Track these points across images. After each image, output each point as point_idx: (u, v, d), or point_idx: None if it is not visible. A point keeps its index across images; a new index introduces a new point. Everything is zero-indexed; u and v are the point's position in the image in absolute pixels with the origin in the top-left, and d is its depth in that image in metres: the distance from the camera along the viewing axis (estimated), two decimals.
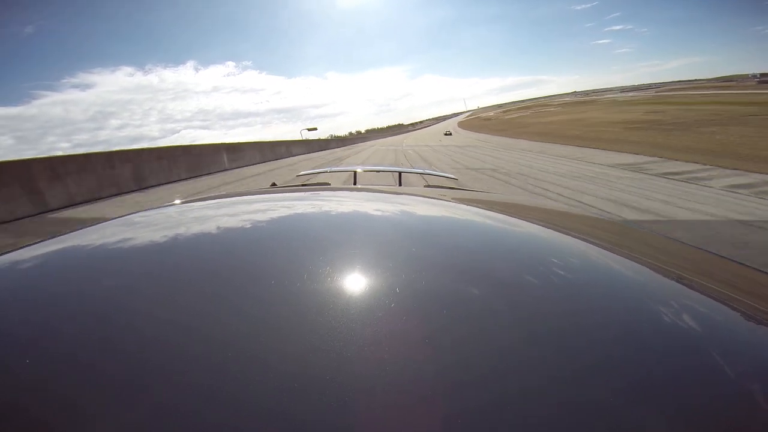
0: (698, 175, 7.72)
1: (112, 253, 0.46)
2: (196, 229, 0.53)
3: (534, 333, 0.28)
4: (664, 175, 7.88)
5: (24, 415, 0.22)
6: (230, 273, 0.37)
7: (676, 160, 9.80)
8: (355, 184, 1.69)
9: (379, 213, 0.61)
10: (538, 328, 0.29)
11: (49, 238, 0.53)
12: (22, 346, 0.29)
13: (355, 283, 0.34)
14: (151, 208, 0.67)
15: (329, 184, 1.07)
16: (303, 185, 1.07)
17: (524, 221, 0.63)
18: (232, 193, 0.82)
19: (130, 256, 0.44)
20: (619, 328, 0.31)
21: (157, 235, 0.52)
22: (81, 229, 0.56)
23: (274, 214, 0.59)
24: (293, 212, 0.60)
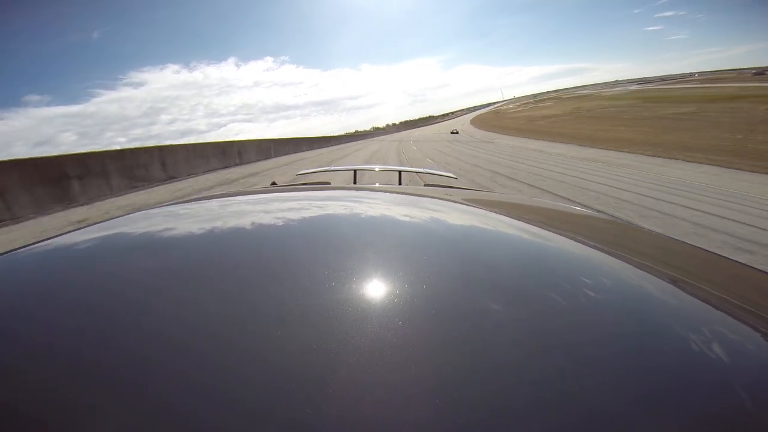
0: (527, 145, 18.10)
1: (113, 253, 0.47)
2: (196, 228, 0.53)
3: (534, 332, 0.28)
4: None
5: (26, 415, 0.22)
6: (230, 272, 0.37)
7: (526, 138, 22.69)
8: (354, 183, 1.70)
9: (378, 212, 0.61)
10: (538, 328, 0.29)
11: (49, 238, 0.54)
12: (23, 346, 0.29)
13: (356, 282, 0.34)
14: (152, 208, 0.67)
15: (329, 183, 1.09)
16: (303, 184, 1.09)
17: (524, 220, 0.63)
18: (232, 193, 0.83)
19: (130, 256, 0.45)
20: (621, 328, 0.31)
21: (158, 235, 0.53)
22: (81, 229, 0.57)
23: (274, 214, 0.60)
24: (293, 211, 0.60)
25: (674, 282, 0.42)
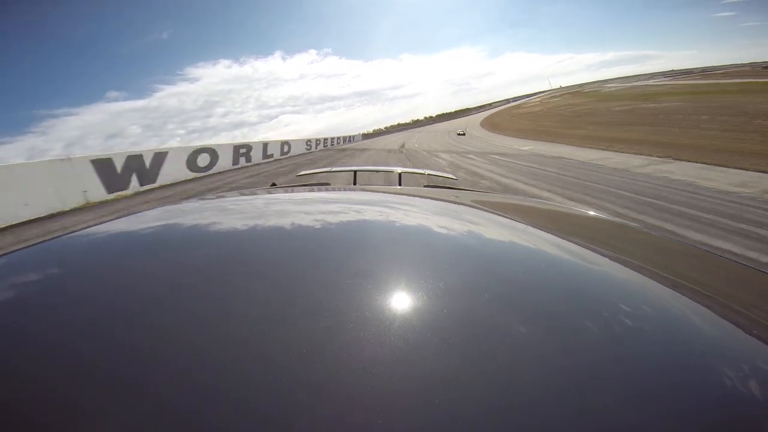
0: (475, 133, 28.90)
1: (113, 253, 0.47)
2: (196, 229, 0.54)
3: (534, 333, 0.28)
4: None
5: (28, 413, 0.22)
6: (231, 272, 0.37)
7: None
8: (354, 183, 1.69)
9: (379, 212, 0.61)
10: (539, 328, 0.29)
11: (50, 239, 0.54)
12: (24, 346, 0.29)
13: (356, 281, 0.34)
14: (152, 209, 0.68)
15: (329, 184, 1.09)
16: (303, 185, 1.08)
17: (523, 220, 0.63)
18: (233, 193, 0.83)
19: (130, 256, 0.44)
20: (621, 328, 0.30)
21: (159, 236, 0.52)
22: (82, 229, 0.57)
23: (275, 214, 0.60)
24: (293, 212, 0.60)
25: (677, 282, 0.41)
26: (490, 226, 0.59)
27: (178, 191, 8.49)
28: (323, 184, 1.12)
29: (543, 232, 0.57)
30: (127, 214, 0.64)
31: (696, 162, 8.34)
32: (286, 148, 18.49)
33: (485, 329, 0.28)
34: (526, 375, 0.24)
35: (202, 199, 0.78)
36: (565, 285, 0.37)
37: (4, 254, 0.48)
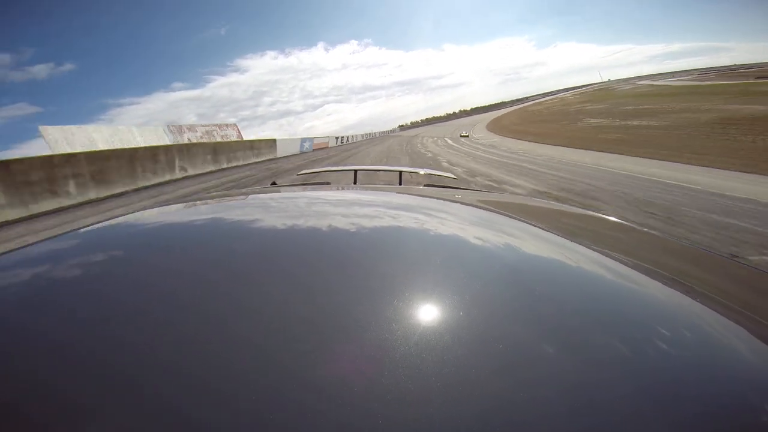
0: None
1: (113, 253, 0.47)
2: (197, 228, 0.54)
3: (534, 332, 0.28)
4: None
5: (26, 413, 0.22)
6: (230, 272, 0.37)
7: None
8: (355, 183, 1.70)
9: (379, 212, 0.61)
10: (539, 328, 0.29)
11: (51, 239, 0.54)
12: (23, 346, 0.29)
13: (357, 281, 0.34)
14: (152, 208, 0.68)
15: (329, 183, 1.11)
16: (303, 184, 1.10)
17: (524, 220, 0.64)
18: (233, 193, 0.83)
19: (130, 256, 0.45)
20: (619, 329, 0.30)
21: (158, 235, 0.52)
22: (83, 229, 0.57)
23: (275, 214, 0.60)
24: (293, 211, 0.61)
25: (675, 282, 0.42)
26: (490, 225, 0.59)
27: (309, 156, 18.08)
28: (323, 183, 1.13)
29: (544, 232, 0.57)
30: (127, 213, 0.64)
31: (550, 144, 17.87)
32: (347, 140, 33.26)
33: (488, 328, 0.28)
34: (529, 374, 0.24)
35: (202, 198, 0.78)
36: (567, 284, 0.38)
37: (3, 254, 0.49)
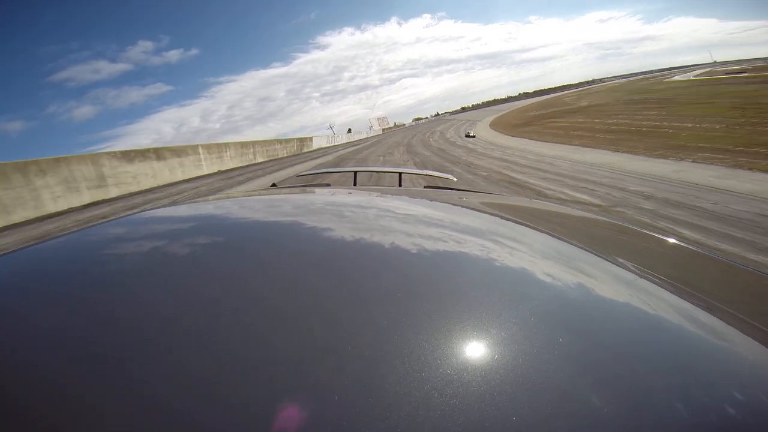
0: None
1: (114, 254, 0.47)
2: (196, 230, 0.53)
3: (535, 333, 0.28)
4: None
5: (26, 413, 0.22)
6: (230, 274, 0.37)
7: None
8: (355, 184, 1.69)
9: (378, 214, 0.61)
10: (537, 330, 0.29)
11: (50, 239, 0.54)
12: (22, 346, 0.29)
13: (356, 283, 0.34)
14: (152, 209, 0.68)
15: (329, 185, 1.12)
16: (303, 186, 1.10)
17: (523, 221, 0.64)
18: (232, 194, 0.83)
19: (130, 257, 0.44)
20: (619, 331, 0.30)
21: (158, 236, 0.52)
22: (83, 229, 0.57)
23: (274, 216, 0.60)
24: (293, 213, 0.60)
25: (672, 283, 0.41)
26: (490, 227, 0.59)
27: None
28: (323, 185, 1.13)
29: (543, 234, 0.57)
30: (126, 215, 0.64)
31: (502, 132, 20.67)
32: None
33: (486, 330, 0.28)
34: (529, 376, 0.24)
35: (201, 199, 0.77)
36: (566, 286, 0.37)
37: (3, 254, 0.48)
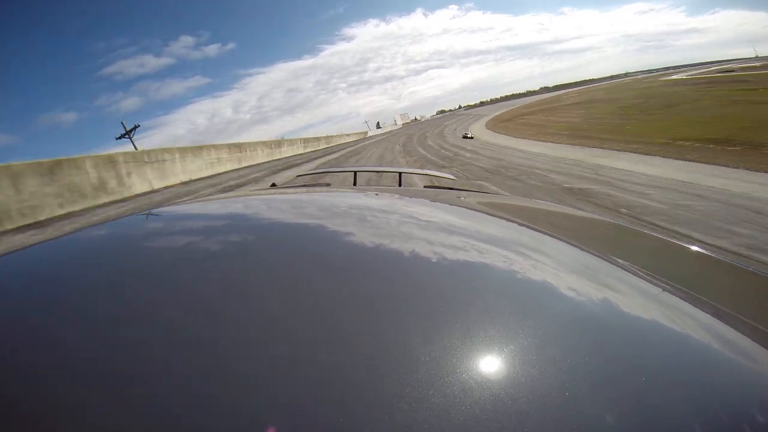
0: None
1: (114, 254, 0.47)
2: (196, 230, 0.53)
3: (535, 334, 0.28)
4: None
5: (26, 413, 0.22)
6: (230, 274, 0.37)
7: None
8: (355, 184, 1.67)
9: (379, 213, 0.61)
10: (536, 331, 0.29)
11: (50, 239, 0.54)
12: (22, 346, 0.29)
13: (357, 283, 0.34)
14: (152, 209, 0.69)
15: (329, 185, 1.11)
16: (303, 185, 1.08)
17: (523, 221, 0.63)
18: (232, 195, 0.84)
19: (130, 257, 0.45)
20: (619, 332, 0.30)
21: (158, 237, 0.52)
22: (83, 229, 0.57)
23: (275, 216, 0.60)
24: (293, 213, 0.61)
25: (670, 284, 0.41)
26: (489, 226, 0.59)
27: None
28: (323, 185, 1.13)
29: (543, 234, 0.56)
30: (127, 215, 0.65)
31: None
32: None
33: (485, 330, 0.28)
34: (528, 376, 0.24)
35: (201, 200, 0.77)
36: (566, 286, 0.37)
37: (4, 254, 0.49)
